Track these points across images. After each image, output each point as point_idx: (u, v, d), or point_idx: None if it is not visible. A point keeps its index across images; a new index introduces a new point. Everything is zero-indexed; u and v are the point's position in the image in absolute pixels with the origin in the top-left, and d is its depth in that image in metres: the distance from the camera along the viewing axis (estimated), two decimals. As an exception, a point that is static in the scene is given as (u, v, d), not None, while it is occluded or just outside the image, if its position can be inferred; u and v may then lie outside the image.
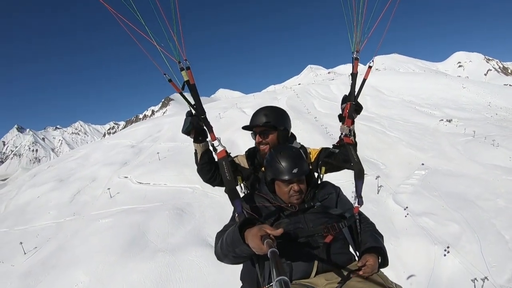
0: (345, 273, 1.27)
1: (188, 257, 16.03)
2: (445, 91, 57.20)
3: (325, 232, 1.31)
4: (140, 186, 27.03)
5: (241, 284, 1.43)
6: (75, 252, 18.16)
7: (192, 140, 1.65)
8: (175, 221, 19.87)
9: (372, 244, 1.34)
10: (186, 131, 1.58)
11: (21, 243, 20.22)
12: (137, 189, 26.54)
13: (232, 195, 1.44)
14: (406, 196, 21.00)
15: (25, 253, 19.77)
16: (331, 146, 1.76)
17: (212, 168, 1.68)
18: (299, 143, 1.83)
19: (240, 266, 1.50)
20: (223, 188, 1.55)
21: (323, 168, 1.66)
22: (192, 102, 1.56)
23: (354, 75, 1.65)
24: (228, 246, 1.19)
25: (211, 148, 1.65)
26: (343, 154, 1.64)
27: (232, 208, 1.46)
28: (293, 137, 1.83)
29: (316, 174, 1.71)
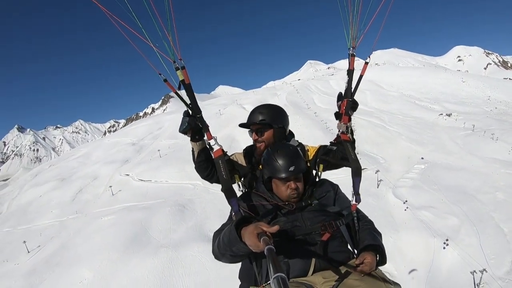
0: (343, 271, 1.27)
1: (190, 253, 16.22)
2: (444, 85, 56.79)
3: (322, 230, 1.31)
4: (141, 183, 27.17)
5: (240, 283, 1.45)
6: (78, 250, 18.36)
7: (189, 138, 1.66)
8: (177, 217, 20.04)
9: (370, 242, 1.33)
10: (183, 131, 1.59)
11: (24, 242, 20.42)
12: (139, 186, 26.68)
13: (229, 194, 1.44)
14: (405, 190, 21.09)
15: (28, 252, 19.99)
16: (329, 143, 1.75)
17: (209, 165, 1.68)
18: (297, 140, 1.82)
19: (239, 263, 1.51)
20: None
21: (321, 166, 1.65)
22: (188, 101, 1.56)
23: (350, 72, 1.64)
24: (225, 245, 1.19)
25: (208, 146, 1.66)
26: (341, 152, 1.63)
27: (231, 204, 1.45)
28: (291, 134, 1.83)
29: (314, 172, 1.71)
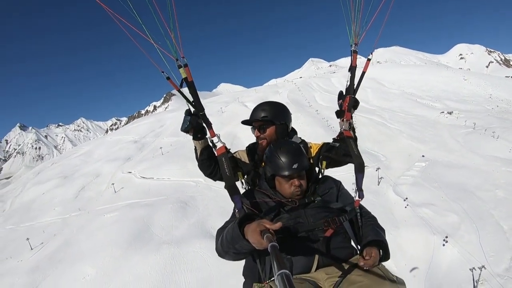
0: (346, 266, 1.27)
1: (192, 249, 16.35)
2: (446, 83, 56.37)
3: (325, 226, 1.31)
4: (143, 180, 27.30)
5: (244, 280, 1.45)
6: (81, 247, 18.53)
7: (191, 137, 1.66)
8: (179, 214, 20.16)
9: (373, 237, 1.33)
10: (185, 129, 1.59)
11: (27, 239, 20.62)
12: (141, 183, 26.82)
13: (232, 191, 1.44)
14: (406, 187, 21.11)
15: (32, 249, 20.19)
16: (331, 140, 1.75)
17: (212, 163, 1.68)
18: (300, 137, 1.81)
19: (243, 260, 1.52)
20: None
21: (324, 163, 1.65)
22: (191, 99, 1.55)
23: (353, 69, 1.63)
24: (228, 243, 1.19)
25: (210, 144, 1.65)
26: (343, 149, 1.62)
27: (234, 201, 1.46)
28: (294, 131, 1.82)
29: (317, 169, 1.71)
